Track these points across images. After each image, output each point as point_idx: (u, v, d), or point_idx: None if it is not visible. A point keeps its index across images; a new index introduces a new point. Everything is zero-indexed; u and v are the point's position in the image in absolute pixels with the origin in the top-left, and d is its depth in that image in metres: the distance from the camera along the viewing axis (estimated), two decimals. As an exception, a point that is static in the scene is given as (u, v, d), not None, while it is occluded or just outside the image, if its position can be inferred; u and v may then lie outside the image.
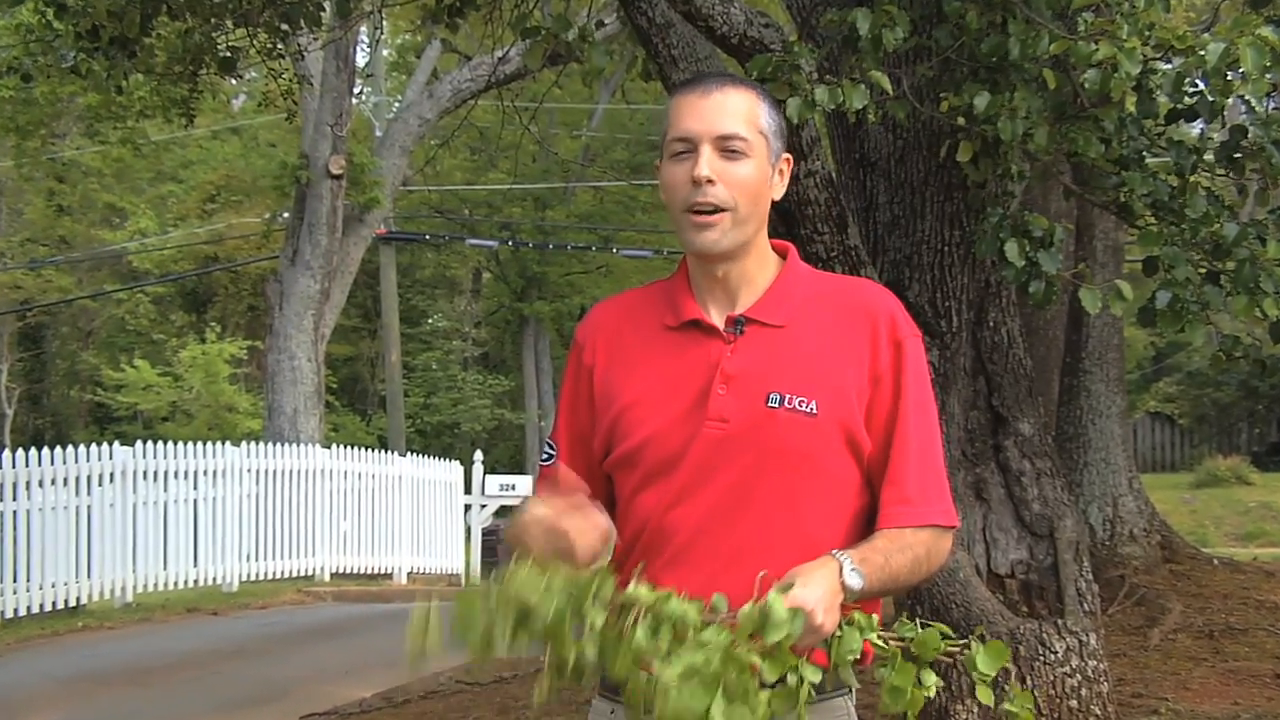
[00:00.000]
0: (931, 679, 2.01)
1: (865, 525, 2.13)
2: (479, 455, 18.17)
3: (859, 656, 2.00)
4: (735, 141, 2.11)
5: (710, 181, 2.10)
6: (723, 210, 2.11)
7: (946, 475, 2.19)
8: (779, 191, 2.20)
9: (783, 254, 2.24)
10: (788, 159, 2.21)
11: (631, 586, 1.87)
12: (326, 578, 15.35)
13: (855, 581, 1.98)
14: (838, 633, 1.96)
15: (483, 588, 1.86)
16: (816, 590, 1.92)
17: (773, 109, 2.19)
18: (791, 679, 1.87)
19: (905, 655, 2.01)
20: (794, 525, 2.08)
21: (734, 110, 2.13)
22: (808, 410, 2.08)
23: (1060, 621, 4.76)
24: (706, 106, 2.13)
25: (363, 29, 16.25)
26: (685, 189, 2.12)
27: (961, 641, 2.04)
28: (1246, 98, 4.11)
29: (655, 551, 2.13)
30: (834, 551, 2.01)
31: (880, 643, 2.01)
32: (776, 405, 2.08)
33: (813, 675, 1.89)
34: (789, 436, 2.08)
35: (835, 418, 2.09)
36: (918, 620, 2.05)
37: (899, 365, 2.12)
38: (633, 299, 2.31)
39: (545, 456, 2.29)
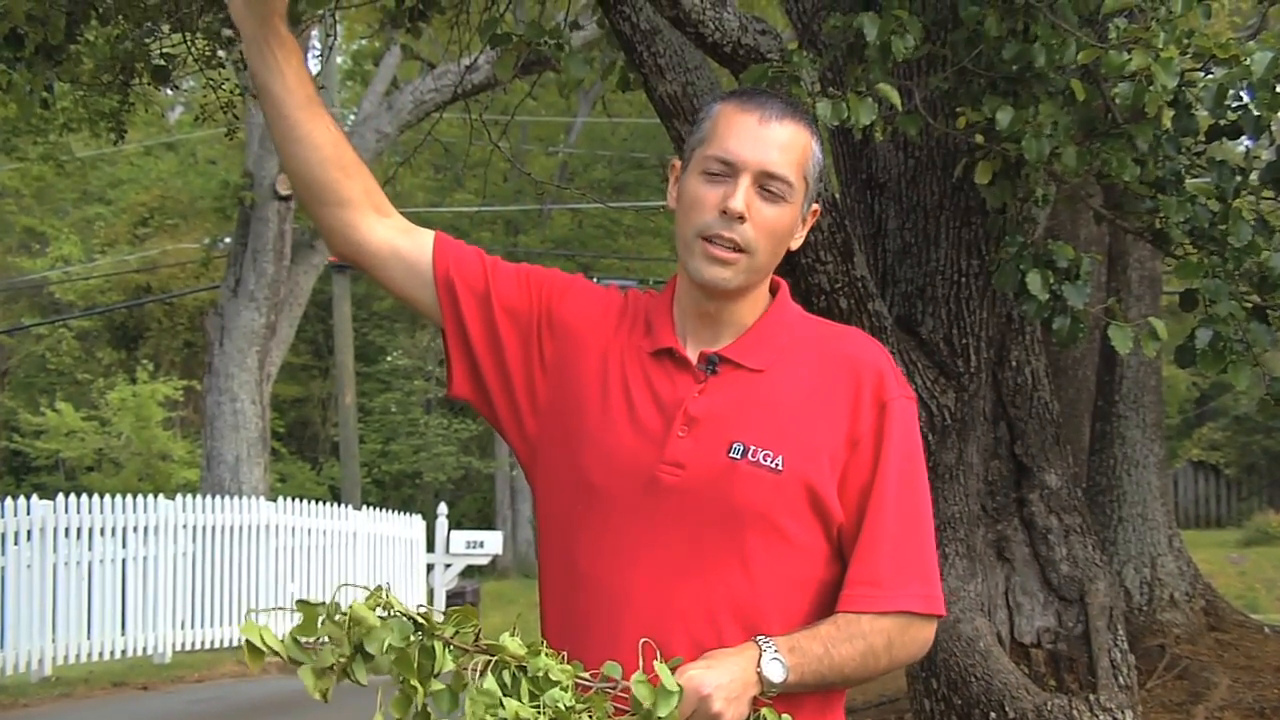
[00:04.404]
0: None
1: (834, 601, 2.09)
2: (443, 509, 18.12)
3: None
4: (778, 184, 2.12)
5: (741, 219, 2.10)
6: (743, 252, 2.11)
7: (934, 554, 2.16)
8: (798, 241, 2.20)
9: (774, 290, 2.23)
10: (816, 209, 2.22)
11: (504, 637, 1.86)
12: (271, 647, 15.25)
13: (775, 673, 1.96)
14: None
15: (325, 605, 1.85)
16: (722, 675, 1.91)
17: (820, 149, 2.20)
18: None
19: None
20: (745, 594, 2.05)
21: (788, 148, 2.13)
22: (772, 465, 2.06)
23: (1092, 697, 4.76)
24: (763, 136, 2.12)
25: (315, 34, 16.28)
26: (710, 215, 2.11)
27: None
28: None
29: (582, 601, 2.12)
30: (758, 638, 1.99)
31: None
32: (739, 456, 2.07)
33: None
34: (749, 492, 2.06)
35: (801, 477, 2.07)
36: None
37: (881, 429, 2.10)
38: (621, 301, 2.27)
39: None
